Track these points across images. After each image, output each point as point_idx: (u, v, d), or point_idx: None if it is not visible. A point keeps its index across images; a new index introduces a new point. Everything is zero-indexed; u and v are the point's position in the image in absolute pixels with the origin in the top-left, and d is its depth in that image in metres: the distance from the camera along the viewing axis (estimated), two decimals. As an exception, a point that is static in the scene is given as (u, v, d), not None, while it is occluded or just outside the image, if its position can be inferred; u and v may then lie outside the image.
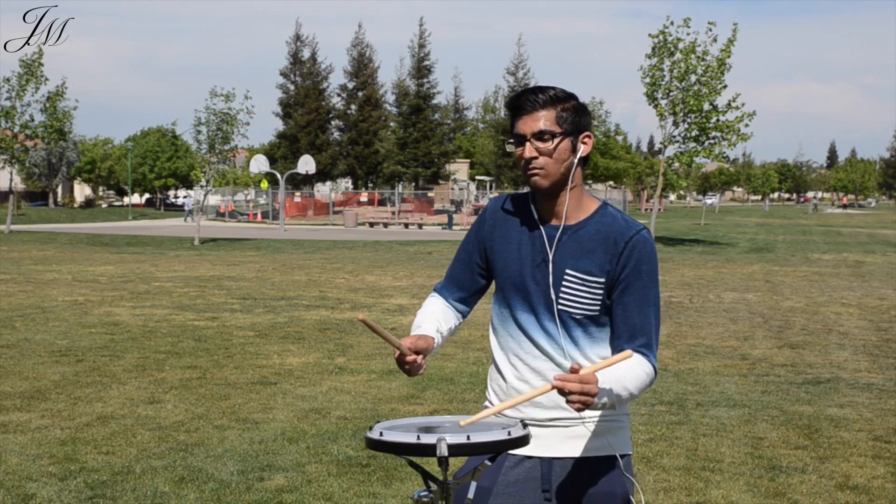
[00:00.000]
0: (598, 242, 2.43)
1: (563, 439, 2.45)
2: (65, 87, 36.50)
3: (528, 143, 2.41)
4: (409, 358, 2.40)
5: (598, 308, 2.44)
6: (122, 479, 5.48)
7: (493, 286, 2.66)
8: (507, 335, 2.54)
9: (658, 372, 2.46)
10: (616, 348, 2.45)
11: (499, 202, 2.60)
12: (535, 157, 2.41)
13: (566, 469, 2.45)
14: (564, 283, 2.43)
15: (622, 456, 2.50)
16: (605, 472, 2.47)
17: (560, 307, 2.43)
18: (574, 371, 2.16)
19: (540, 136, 2.40)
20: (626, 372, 2.34)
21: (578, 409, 2.18)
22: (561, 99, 2.43)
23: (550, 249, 2.45)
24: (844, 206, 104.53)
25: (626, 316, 2.43)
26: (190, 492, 5.27)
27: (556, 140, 2.40)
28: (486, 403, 2.63)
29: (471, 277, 2.63)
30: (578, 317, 2.44)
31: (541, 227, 2.48)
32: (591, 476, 2.45)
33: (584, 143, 2.45)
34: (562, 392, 2.16)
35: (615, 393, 2.30)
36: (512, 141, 2.46)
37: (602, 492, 2.45)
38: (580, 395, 2.15)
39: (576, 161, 2.43)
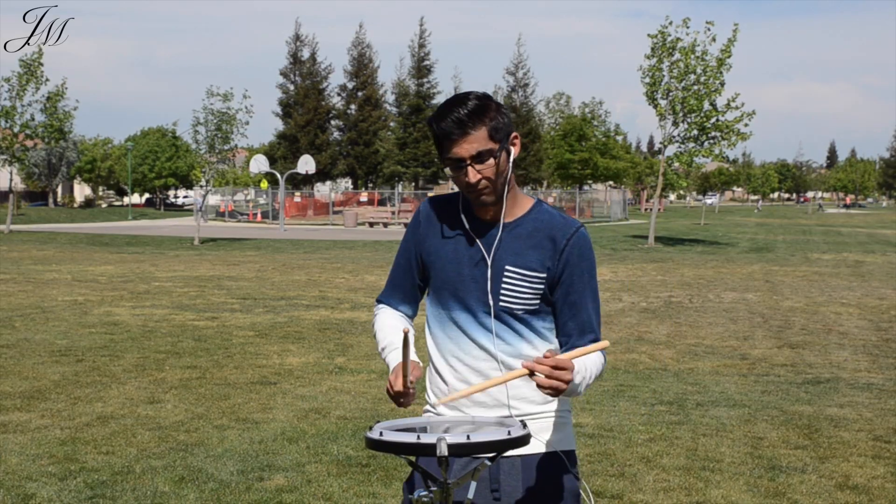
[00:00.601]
0: (537, 239, 2.46)
1: None
2: (65, 87, 36.53)
3: (469, 168, 2.38)
4: (409, 390, 2.40)
5: (537, 302, 2.47)
6: (122, 479, 5.48)
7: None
8: (445, 336, 2.54)
9: (606, 361, 2.51)
10: (567, 345, 2.49)
11: (432, 203, 2.60)
12: (480, 179, 2.40)
13: (514, 467, 2.45)
14: (505, 279, 2.45)
15: (568, 452, 2.51)
16: (554, 468, 2.47)
17: (501, 303, 2.45)
18: (547, 356, 2.19)
19: (479, 158, 2.37)
20: (591, 360, 2.39)
21: (551, 395, 2.21)
22: (483, 109, 2.38)
23: (489, 248, 2.46)
24: (847, 206, 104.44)
25: (574, 314, 2.47)
26: (190, 492, 5.27)
27: (497, 157, 2.38)
28: (427, 407, 2.63)
29: (412, 282, 2.64)
30: (519, 312, 2.46)
31: (478, 226, 2.49)
32: (540, 473, 2.45)
33: (514, 144, 2.44)
34: (532, 376, 2.19)
35: (584, 381, 2.34)
36: (447, 164, 2.42)
37: (552, 489, 2.45)
38: (551, 380, 2.18)
39: (511, 165, 2.44)
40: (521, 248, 2.46)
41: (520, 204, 2.51)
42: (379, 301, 2.71)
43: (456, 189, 2.57)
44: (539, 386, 2.19)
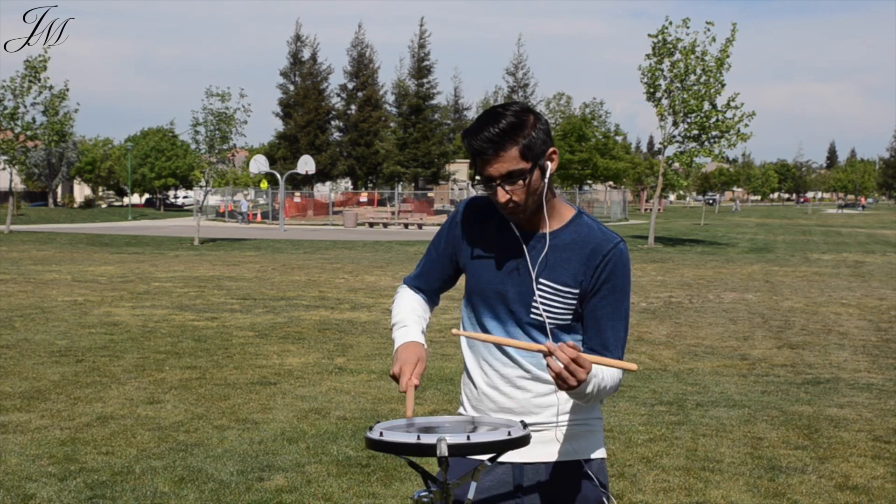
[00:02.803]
0: (573, 252, 2.40)
1: (534, 444, 2.40)
2: (67, 89, 36.47)
3: (499, 189, 2.32)
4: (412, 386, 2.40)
5: (569, 317, 2.41)
6: (121, 479, 5.48)
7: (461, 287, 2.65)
8: (478, 341, 2.51)
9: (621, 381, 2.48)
10: None
11: (471, 204, 2.54)
12: (510, 199, 2.34)
13: (538, 474, 2.44)
14: (537, 292, 2.40)
15: (595, 460, 2.49)
16: (578, 476, 2.45)
17: (532, 315, 2.41)
18: (571, 346, 2.16)
19: (509, 178, 2.31)
20: (609, 374, 2.35)
21: (559, 386, 2.18)
22: (517, 126, 2.30)
23: (527, 258, 2.41)
24: (864, 207, 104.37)
25: (599, 330, 2.41)
26: (190, 492, 5.27)
27: (527, 178, 2.31)
28: (461, 410, 2.60)
29: (440, 275, 2.62)
30: (550, 326, 2.41)
31: (517, 234, 2.43)
32: (564, 481, 2.44)
33: (552, 159, 2.36)
34: (548, 357, 2.17)
35: (595, 389, 2.31)
36: (479, 182, 2.36)
37: (575, 496, 2.44)
38: (563, 371, 2.15)
39: (546, 181, 2.36)
40: (556, 260, 2.39)
41: (559, 214, 2.43)
42: (404, 281, 2.71)
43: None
44: (549, 368, 2.16)
